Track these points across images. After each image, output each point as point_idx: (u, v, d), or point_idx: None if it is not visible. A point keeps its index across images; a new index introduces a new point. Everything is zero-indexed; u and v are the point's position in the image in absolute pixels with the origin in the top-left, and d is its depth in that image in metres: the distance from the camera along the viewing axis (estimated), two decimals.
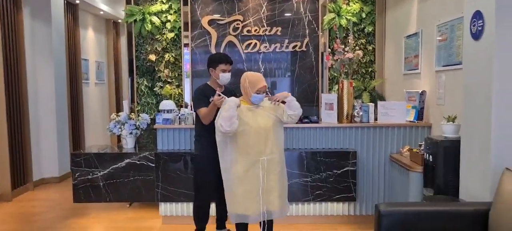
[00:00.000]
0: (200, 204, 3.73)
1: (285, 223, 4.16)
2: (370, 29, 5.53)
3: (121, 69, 9.16)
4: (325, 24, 5.41)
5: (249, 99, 3.23)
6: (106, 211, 4.87)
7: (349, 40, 4.63)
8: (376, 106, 4.39)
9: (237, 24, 5.53)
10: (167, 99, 5.33)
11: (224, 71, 3.57)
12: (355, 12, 5.45)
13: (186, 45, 5.57)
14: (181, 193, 4.22)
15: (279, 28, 5.54)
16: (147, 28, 5.46)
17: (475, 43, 2.79)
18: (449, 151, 3.10)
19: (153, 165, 4.22)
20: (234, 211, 3.24)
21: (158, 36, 5.56)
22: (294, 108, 3.25)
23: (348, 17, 5.39)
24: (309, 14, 5.53)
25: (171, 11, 5.55)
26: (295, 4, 5.53)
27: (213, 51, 5.49)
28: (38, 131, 6.28)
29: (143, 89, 5.61)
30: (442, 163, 3.12)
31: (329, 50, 5.44)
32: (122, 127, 4.48)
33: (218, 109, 3.30)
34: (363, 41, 5.57)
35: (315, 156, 4.16)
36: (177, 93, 5.54)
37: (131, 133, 4.50)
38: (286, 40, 5.54)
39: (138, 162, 4.22)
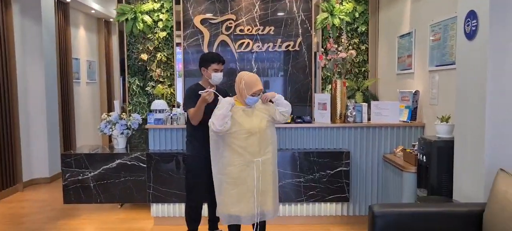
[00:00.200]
0: (192, 204, 3.69)
1: (277, 224, 4.13)
2: (363, 29, 5.52)
3: (113, 69, 9.08)
4: (318, 24, 5.39)
5: (243, 101, 3.18)
6: (97, 212, 4.81)
7: (342, 40, 4.61)
8: (369, 106, 4.37)
9: (229, 23, 5.49)
10: (159, 99, 5.28)
11: (216, 71, 3.52)
12: (348, 11, 5.43)
13: (178, 44, 5.52)
14: (173, 193, 4.17)
15: (272, 28, 5.51)
16: (138, 27, 5.40)
17: (469, 43, 2.77)
18: (442, 151, 3.08)
19: (145, 165, 4.17)
20: (227, 212, 3.20)
21: (150, 35, 5.50)
22: (284, 105, 3.27)
23: (341, 17, 5.37)
24: (302, 14, 5.51)
25: (163, 10, 5.50)
26: (288, 4, 5.51)
27: (206, 50, 5.44)
28: (28, 131, 6.20)
29: (134, 89, 5.55)
30: (435, 164, 3.10)
31: (322, 49, 5.41)
32: (113, 127, 4.43)
33: (208, 110, 3.28)
34: (356, 40, 5.55)
35: (308, 156, 4.13)
36: (169, 93, 5.49)
37: (122, 133, 4.44)
38: (279, 40, 5.51)
39: (129, 163, 4.17)
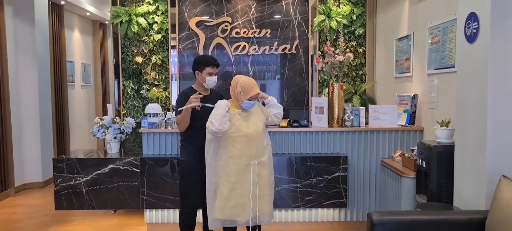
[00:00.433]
0: (187, 210, 3.60)
1: (274, 230, 4.05)
2: (360, 32, 5.46)
3: (109, 72, 8.99)
4: (315, 26, 5.32)
5: (239, 104, 3.11)
6: (90, 217, 4.72)
7: (340, 43, 4.55)
8: (367, 110, 4.30)
9: (225, 26, 5.42)
10: (153, 102, 5.20)
11: (210, 74, 3.44)
12: (345, 14, 5.37)
13: (173, 47, 5.45)
14: (167, 199, 4.09)
15: (269, 30, 5.44)
16: (133, 30, 5.32)
17: (469, 46, 2.71)
18: (442, 157, 3.01)
19: (138, 170, 4.08)
20: (222, 217, 3.12)
21: (145, 38, 5.42)
22: (276, 107, 3.32)
23: (339, 19, 5.31)
24: (299, 16, 5.44)
25: (158, 13, 5.43)
26: (284, 6, 5.44)
27: (201, 53, 5.37)
28: (21, 135, 6.10)
29: (129, 92, 5.47)
30: (435, 169, 3.03)
31: (319, 52, 5.35)
32: (106, 131, 4.34)
33: (198, 117, 3.24)
34: (353, 43, 5.49)
35: (305, 161, 4.06)
36: (164, 96, 5.41)
37: (115, 138, 4.35)
38: (276, 43, 5.45)
39: (122, 168, 4.09)
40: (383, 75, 5.21)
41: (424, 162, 3.17)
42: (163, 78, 5.47)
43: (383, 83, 5.24)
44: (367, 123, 4.28)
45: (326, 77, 5.37)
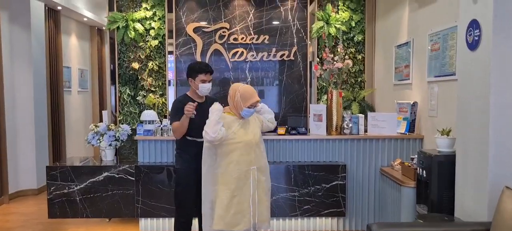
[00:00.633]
0: (182, 219, 3.53)
1: None
2: (359, 38, 5.41)
3: (106, 77, 8.92)
4: (314, 33, 5.27)
5: (238, 113, 3.05)
6: (84, 225, 4.62)
7: (339, 49, 4.49)
8: (366, 117, 4.25)
9: (223, 32, 5.37)
10: (150, 108, 5.14)
11: (204, 81, 3.38)
12: (344, 20, 5.33)
13: (170, 53, 5.39)
14: (162, 208, 4.02)
15: (267, 37, 5.38)
16: (130, 35, 5.27)
17: (471, 54, 2.65)
18: (443, 166, 2.95)
19: (133, 178, 4.01)
20: (222, 226, 3.04)
21: (142, 43, 5.37)
22: (269, 112, 3.28)
23: (337, 26, 5.26)
24: (297, 22, 5.39)
25: (155, 18, 5.37)
26: (283, 12, 5.39)
27: (199, 59, 5.31)
28: (15, 141, 6.02)
29: (125, 98, 5.41)
30: (436, 179, 2.97)
31: (318, 59, 5.30)
32: (101, 138, 4.26)
33: (194, 125, 3.20)
34: (352, 50, 5.44)
35: (303, 169, 3.99)
36: (161, 102, 5.35)
37: (110, 145, 4.28)
38: (274, 49, 5.39)
39: (117, 176, 4.02)
40: (382, 82, 5.16)
41: (424, 171, 3.10)
42: (160, 84, 5.41)
43: (382, 90, 5.18)
44: (366, 131, 4.23)
45: (324, 84, 5.32)
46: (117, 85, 5.44)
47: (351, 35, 5.42)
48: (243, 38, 5.37)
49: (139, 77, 5.40)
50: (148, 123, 4.17)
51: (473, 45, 2.61)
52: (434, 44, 3.73)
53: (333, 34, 5.26)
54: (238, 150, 3.01)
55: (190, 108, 3.16)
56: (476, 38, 2.57)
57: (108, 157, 4.32)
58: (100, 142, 4.27)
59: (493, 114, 2.46)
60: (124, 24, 5.26)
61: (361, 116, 4.19)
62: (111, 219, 4.76)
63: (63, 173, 4.02)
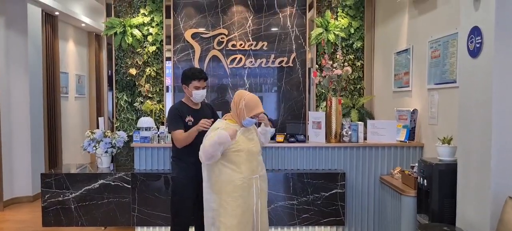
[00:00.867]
0: (178, 228, 3.46)
1: None
2: (358, 45, 5.38)
3: (103, 83, 8.86)
4: (313, 39, 5.23)
5: (240, 121, 3.00)
6: None
7: (338, 56, 4.45)
8: (365, 125, 4.20)
9: (221, 38, 5.33)
10: (147, 115, 5.08)
11: (197, 88, 3.32)
12: (343, 27, 5.29)
13: (168, 59, 5.34)
14: (159, 216, 3.95)
15: (265, 43, 5.35)
16: (128, 41, 5.22)
17: (472, 61, 2.61)
18: (444, 175, 2.90)
19: (129, 186, 3.95)
20: None
21: (139, 49, 5.32)
22: (266, 139, 3.29)
23: (336, 32, 5.23)
24: (296, 29, 5.36)
25: (153, 24, 5.33)
26: (281, 18, 5.36)
27: (197, 65, 5.27)
28: (11, 147, 5.95)
29: (122, 104, 5.35)
30: (437, 188, 2.92)
31: (317, 66, 5.25)
32: (97, 145, 4.20)
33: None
34: (351, 57, 5.40)
35: (301, 177, 3.94)
36: (158, 109, 5.29)
37: (106, 152, 4.22)
38: (272, 55, 5.35)
39: (113, 183, 3.95)
40: (382, 90, 5.12)
41: (425, 180, 3.05)
42: (157, 90, 5.36)
43: (381, 97, 5.14)
44: (365, 138, 4.18)
45: (323, 91, 5.28)
46: (114, 91, 5.39)
47: (350, 41, 5.38)
48: (241, 44, 5.33)
49: (137, 84, 5.35)
50: (145, 130, 4.11)
51: (474, 53, 2.57)
52: (434, 51, 3.69)
53: (332, 40, 5.22)
54: (241, 157, 2.96)
55: (206, 125, 3.09)
56: (478, 45, 2.53)
57: (104, 164, 4.26)
58: (96, 148, 4.21)
59: (496, 122, 2.41)
60: (121, 30, 5.22)
61: (361, 123, 4.14)
62: (106, 227, 4.69)
63: (58, 181, 3.96)
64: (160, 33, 5.32)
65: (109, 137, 4.25)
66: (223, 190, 2.96)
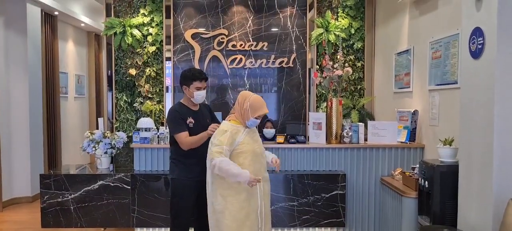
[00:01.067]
0: (178, 230, 3.44)
1: None
2: (359, 45, 5.36)
3: (103, 83, 8.84)
4: (313, 40, 5.22)
5: (244, 121, 2.98)
6: None
7: (338, 57, 4.44)
8: (366, 126, 4.18)
9: (221, 38, 5.31)
10: (147, 115, 5.06)
11: (199, 89, 3.30)
12: (344, 27, 5.27)
13: (168, 59, 5.32)
14: (159, 217, 3.94)
15: (266, 43, 5.33)
16: (127, 41, 5.20)
17: (474, 62, 2.60)
18: (446, 177, 2.88)
19: (129, 187, 3.93)
20: None
21: (139, 49, 5.30)
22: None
23: (337, 33, 5.21)
24: (296, 29, 5.34)
25: (153, 24, 5.31)
26: (282, 19, 5.34)
27: (197, 66, 5.25)
28: (10, 148, 5.93)
29: (122, 105, 5.33)
30: (438, 190, 2.90)
31: (317, 66, 5.24)
32: (96, 145, 4.19)
33: (199, 128, 3.17)
34: (351, 57, 5.39)
35: (302, 178, 3.92)
36: (158, 109, 5.27)
37: (106, 153, 4.20)
38: (273, 56, 5.34)
39: (112, 184, 3.93)
40: (382, 90, 5.10)
41: (426, 182, 3.04)
42: (157, 91, 5.34)
43: (381, 98, 5.12)
44: (366, 139, 4.16)
45: (324, 91, 5.26)
46: (113, 91, 5.37)
47: (351, 42, 5.37)
48: (241, 44, 5.31)
49: (136, 84, 5.33)
50: (145, 130, 4.09)
51: (476, 54, 2.56)
52: (435, 52, 3.68)
53: (332, 41, 5.20)
54: (246, 159, 2.93)
55: (215, 129, 3.09)
56: (480, 46, 2.52)
57: (104, 164, 4.24)
58: (96, 149, 4.19)
59: (497, 124, 2.40)
60: (121, 30, 5.20)
61: (361, 124, 4.13)
62: (106, 228, 4.67)
63: (57, 181, 3.94)
64: (160, 33, 5.30)
65: (108, 138, 4.23)
66: (228, 192, 2.94)
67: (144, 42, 5.31)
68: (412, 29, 4.24)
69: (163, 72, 5.31)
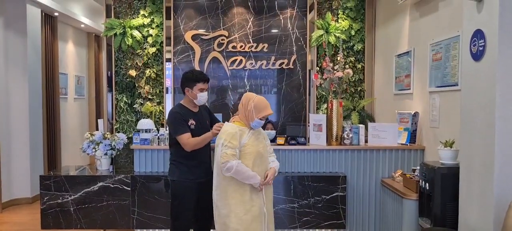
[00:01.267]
0: None
1: None
2: (359, 47, 5.36)
3: (103, 84, 8.83)
4: (313, 41, 5.22)
5: (248, 122, 2.98)
6: None
7: (339, 58, 4.44)
8: (366, 127, 4.18)
9: (222, 39, 5.31)
10: (147, 117, 5.05)
11: (202, 90, 3.30)
12: (344, 29, 5.28)
13: (168, 60, 5.32)
14: (159, 219, 3.92)
15: (266, 45, 5.33)
16: (127, 42, 5.20)
17: (475, 64, 2.59)
18: (447, 179, 2.88)
19: (129, 188, 3.92)
20: None
21: (139, 51, 5.30)
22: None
23: (337, 34, 5.21)
24: (296, 31, 5.34)
25: (153, 25, 5.32)
26: (282, 20, 5.34)
27: (197, 67, 5.25)
28: (9, 149, 5.92)
29: (122, 106, 5.33)
30: (439, 192, 2.90)
31: (317, 68, 5.24)
32: (96, 147, 4.18)
33: (200, 129, 3.20)
34: (352, 59, 5.39)
35: (302, 180, 3.91)
36: (158, 110, 5.27)
37: (105, 154, 4.19)
38: (273, 57, 5.33)
39: (112, 186, 3.92)
40: (382, 92, 5.10)
41: (427, 184, 3.03)
42: (157, 92, 5.33)
43: (382, 100, 5.12)
44: (366, 141, 4.16)
45: (324, 93, 5.26)
46: (113, 92, 5.37)
47: (351, 44, 5.37)
48: (242, 46, 5.31)
49: (136, 85, 5.33)
50: (145, 132, 4.09)
51: (477, 56, 2.55)
52: (435, 54, 3.68)
53: (332, 43, 5.20)
54: (251, 160, 2.94)
55: (219, 129, 3.12)
56: (481, 48, 2.51)
57: (104, 166, 4.23)
58: (96, 150, 4.18)
59: (499, 126, 2.39)
60: (121, 31, 5.20)
61: (362, 126, 4.12)
62: (106, 230, 4.66)
63: (57, 183, 3.93)
64: (160, 34, 5.30)
65: (108, 139, 4.22)
66: (233, 195, 2.94)
67: (144, 43, 5.31)
68: (413, 31, 4.24)
69: (163, 73, 5.31)
